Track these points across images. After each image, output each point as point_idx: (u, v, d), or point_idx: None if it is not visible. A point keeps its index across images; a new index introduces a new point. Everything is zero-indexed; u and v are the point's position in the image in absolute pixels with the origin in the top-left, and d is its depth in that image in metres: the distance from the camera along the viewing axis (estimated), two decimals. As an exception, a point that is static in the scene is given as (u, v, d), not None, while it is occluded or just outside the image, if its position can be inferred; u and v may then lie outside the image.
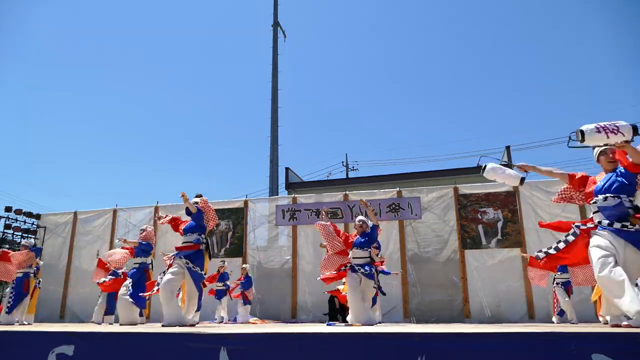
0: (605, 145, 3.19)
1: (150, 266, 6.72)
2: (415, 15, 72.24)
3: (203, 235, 5.13)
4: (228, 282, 8.62)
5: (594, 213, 3.38)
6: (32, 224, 11.14)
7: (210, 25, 72.22)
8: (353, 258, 5.54)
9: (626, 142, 3.05)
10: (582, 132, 3.06)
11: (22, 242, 7.71)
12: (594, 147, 3.41)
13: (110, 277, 7.61)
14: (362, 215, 6.26)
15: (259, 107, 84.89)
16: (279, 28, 20.31)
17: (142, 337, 2.64)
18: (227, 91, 77.45)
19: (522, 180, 3.72)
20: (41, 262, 7.76)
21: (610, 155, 3.43)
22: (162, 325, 4.65)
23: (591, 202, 3.41)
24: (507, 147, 13.52)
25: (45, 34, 66.90)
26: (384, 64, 76.93)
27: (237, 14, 70.77)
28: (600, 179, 3.45)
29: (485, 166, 3.82)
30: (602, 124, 3.05)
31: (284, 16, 26.43)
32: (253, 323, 7.99)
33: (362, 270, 5.36)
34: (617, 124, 3.04)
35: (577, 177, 3.60)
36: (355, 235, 5.77)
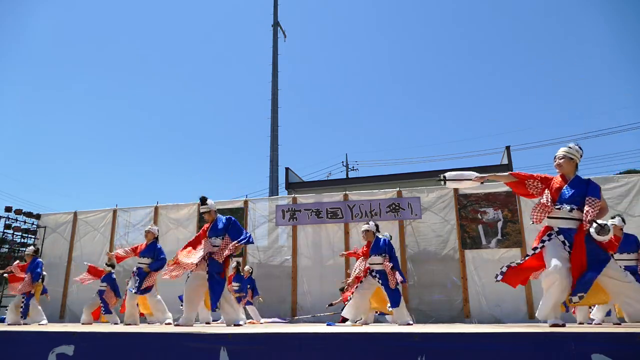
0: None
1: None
2: (416, 15, 72.26)
3: None
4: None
5: (553, 218, 3.45)
6: (32, 224, 11.14)
7: (210, 25, 72.23)
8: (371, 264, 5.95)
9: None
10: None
11: (26, 252, 7.72)
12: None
13: (105, 282, 7.71)
14: (368, 223, 6.33)
15: (259, 107, 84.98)
16: (279, 28, 20.30)
17: (142, 337, 2.64)
18: (227, 91, 77.44)
19: (482, 178, 3.89)
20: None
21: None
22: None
23: (556, 207, 3.43)
24: (507, 147, 13.50)
25: (45, 35, 66.92)
26: (384, 64, 76.93)
27: (237, 14, 70.77)
28: (559, 184, 3.52)
29: (445, 177, 3.96)
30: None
31: (284, 16, 26.47)
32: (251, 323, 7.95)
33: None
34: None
35: (542, 176, 3.67)
36: (368, 246, 6.07)
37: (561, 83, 72.07)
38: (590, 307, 5.78)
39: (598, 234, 3.15)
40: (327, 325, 5.64)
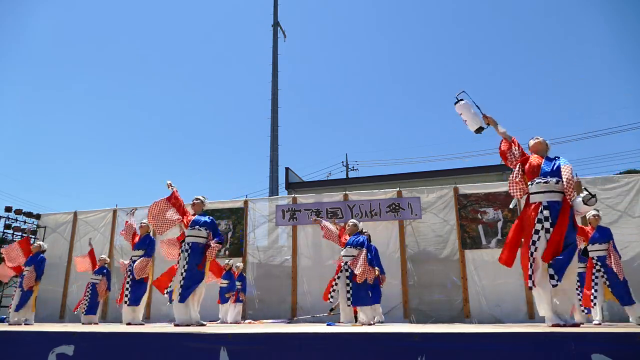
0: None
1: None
2: (416, 15, 72.28)
3: None
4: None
5: (536, 193, 3.50)
6: (32, 224, 11.13)
7: (210, 25, 72.26)
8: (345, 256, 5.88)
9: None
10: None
11: (36, 244, 7.77)
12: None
13: (99, 275, 7.74)
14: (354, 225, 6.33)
15: (259, 107, 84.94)
16: (279, 28, 20.30)
17: (142, 337, 2.64)
18: (227, 91, 77.46)
19: (481, 129, 3.92)
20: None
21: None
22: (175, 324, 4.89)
23: (543, 181, 3.49)
24: (507, 147, 13.49)
25: (45, 35, 66.95)
26: (384, 64, 76.96)
27: (237, 14, 70.78)
28: (537, 160, 3.64)
29: (460, 100, 3.95)
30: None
31: (284, 16, 26.41)
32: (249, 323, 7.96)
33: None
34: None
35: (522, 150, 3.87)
36: (347, 236, 6.12)
37: (561, 83, 72.07)
38: (583, 309, 5.79)
39: (586, 203, 3.15)
40: (327, 325, 5.64)
